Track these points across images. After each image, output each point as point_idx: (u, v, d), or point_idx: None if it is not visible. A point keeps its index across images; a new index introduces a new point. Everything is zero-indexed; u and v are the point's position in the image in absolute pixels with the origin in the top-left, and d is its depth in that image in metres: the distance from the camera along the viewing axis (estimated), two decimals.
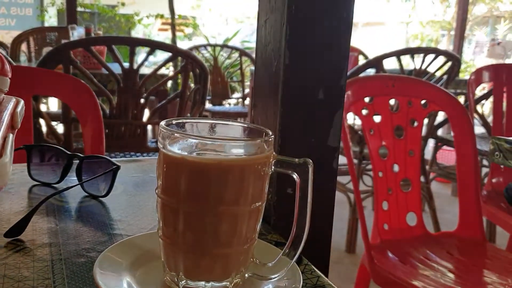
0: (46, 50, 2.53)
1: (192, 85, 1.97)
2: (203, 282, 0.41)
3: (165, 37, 8.14)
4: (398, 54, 2.25)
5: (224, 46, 4.30)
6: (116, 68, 1.76)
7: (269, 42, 0.59)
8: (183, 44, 6.52)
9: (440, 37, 9.12)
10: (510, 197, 1.28)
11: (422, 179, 2.15)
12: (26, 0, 7.71)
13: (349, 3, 0.57)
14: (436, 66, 2.38)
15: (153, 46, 1.87)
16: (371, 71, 2.22)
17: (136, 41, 1.97)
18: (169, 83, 3.71)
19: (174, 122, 0.42)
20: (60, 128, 2.19)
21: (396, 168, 1.33)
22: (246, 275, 0.43)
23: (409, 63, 2.44)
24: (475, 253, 1.28)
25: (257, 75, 0.64)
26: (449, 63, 2.31)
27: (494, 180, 1.79)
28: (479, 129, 1.99)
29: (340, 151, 0.63)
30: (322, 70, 0.58)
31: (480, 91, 2.19)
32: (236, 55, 4.06)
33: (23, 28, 3.99)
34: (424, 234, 1.33)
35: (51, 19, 7.22)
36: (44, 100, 3.70)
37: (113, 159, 0.66)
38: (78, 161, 0.67)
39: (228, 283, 0.42)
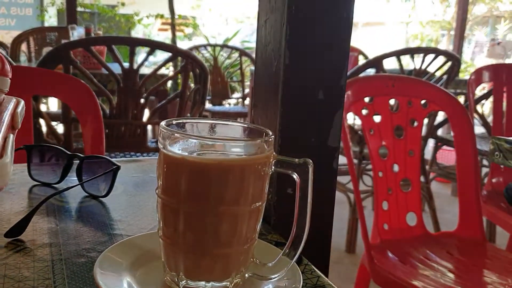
0: (46, 50, 2.54)
1: (192, 85, 1.97)
2: (203, 282, 0.41)
3: (165, 37, 8.15)
4: (398, 54, 2.25)
5: (224, 46, 4.30)
6: (116, 68, 1.76)
7: (269, 42, 0.59)
8: (183, 44, 6.52)
9: (440, 37, 9.12)
10: (510, 197, 1.29)
11: (422, 179, 2.15)
12: (26, 0, 7.71)
13: (349, 3, 0.57)
14: (436, 66, 2.38)
15: (153, 46, 1.87)
16: (371, 71, 2.22)
17: (136, 41, 1.97)
18: (169, 83, 3.71)
19: (174, 122, 0.42)
20: (60, 128, 2.20)
21: (396, 168, 1.33)
22: (246, 275, 0.43)
23: (409, 63, 2.44)
24: (475, 253, 1.28)
25: (257, 75, 0.64)
26: (449, 63, 2.31)
27: (494, 180, 1.79)
28: (479, 129, 1.99)
29: (340, 151, 0.63)
30: (322, 70, 0.58)
31: (480, 91, 2.19)
32: (236, 55, 4.06)
33: (23, 28, 3.99)
34: (424, 234, 1.33)
35: (51, 19, 7.22)
36: (44, 100, 3.70)
37: (113, 159, 0.66)
38: (78, 161, 0.67)
39: (228, 283, 0.42)
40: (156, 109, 1.94)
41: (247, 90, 4.06)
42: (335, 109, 0.59)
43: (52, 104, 3.98)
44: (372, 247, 1.23)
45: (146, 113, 1.91)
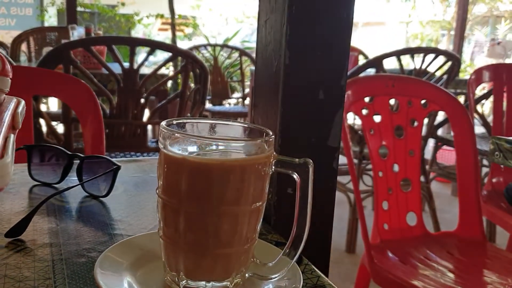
0: (46, 50, 2.53)
1: (192, 85, 1.97)
2: (203, 282, 0.41)
3: (165, 37, 8.15)
4: (398, 54, 2.25)
5: (224, 46, 4.30)
6: (116, 68, 1.76)
7: (269, 42, 0.59)
8: (183, 44, 6.53)
9: (440, 37, 9.12)
10: (510, 197, 1.29)
11: (422, 179, 2.15)
12: (26, 0, 7.71)
13: (349, 3, 0.57)
14: (436, 66, 2.38)
15: (153, 46, 1.87)
16: (371, 71, 2.22)
17: (136, 41, 1.97)
18: (169, 83, 3.71)
19: (174, 122, 0.42)
20: (60, 128, 2.19)
21: (396, 168, 1.33)
22: (247, 275, 0.43)
23: (409, 63, 2.44)
24: (475, 253, 1.28)
25: (257, 75, 0.64)
26: (449, 63, 2.31)
27: (494, 180, 1.79)
28: (479, 129, 1.99)
29: (340, 151, 0.63)
30: (322, 70, 0.58)
31: (480, 91, 2.19)
32: (236, 55, 4.06)
33: (23, 28, 3.99)
34: (424, 234, 1.33)
35: (51, 19, 7.23)
36: (44, 100, 3.70)
37: (113, 159, 0.66)
38: (78, 161, 0.67)
39: (229, 283, 0.42)
40: (156, 109, 1.94)
41: (247, 90, 4.06)
42: (335, 109, 0.59)
43: (52, 104, 3.98)
44: (372, 247, 1.23)
45: (146, 113, 1.91)
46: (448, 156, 3.31)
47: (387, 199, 1.30)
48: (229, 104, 4.27)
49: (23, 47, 3.40)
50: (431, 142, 2.68)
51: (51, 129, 1.72)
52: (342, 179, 2.52)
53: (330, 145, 0.60)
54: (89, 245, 0.50)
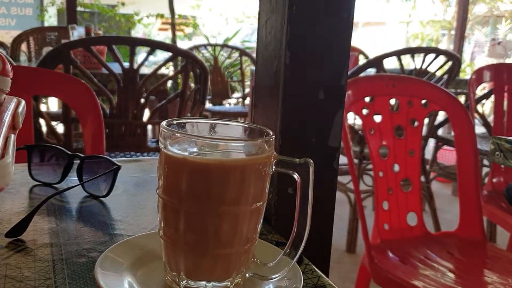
0: (46, 50, 2.54)
1: (192, 85, 1.97)
2: (204, 282, 0.41)
3: (165, 36, 8.15)
4: (398, 53, 2.25)
5: (224, 45, 4.30)
6: (116, 68, 1.76)
7: (269, 42, 0.59)
8: (183, 44, 6.53)
9: (440, 37, 9.12)
10: (511, 197, 1.28)
11: (422, 179, 2.15)
12: (26, 0, 7.71)
13: (350, 3, 0.57)
14: (436, 65, 2.38)
15: (153, 46, 1.87)
16: (371, 71, 2.22)
17: (136, 41, 1.97)
18: (169, 83, 3.71)
19: (175, 122, 0.42)
20: (60, 128, 2.20)
21: (396, 168, 1.33)
22: (247, 275, 0.43)
23: (410, 62, 2.44)
24: (476, 253, 1.28)
25: (257, 75, 0.64)
26: (450, 63, 2.31)
27: (494, 180, 1.79)
28: (479, 129, 1.99)
29: (341, 151, 0.63)
30: (322, 70, 0.58)
31: (480, 90, 2.19)
32: (236, 54, 4.06)
33: (23, 28, 3.99)
34: (425, 234, 1.33)
35: (51, 19, 7.23)
36: (44, 100, 3.70)
37: (113, 159, 0.66)
38: (78, 161, 0.67)
39: (229, 283, 0.42)
40: (156, 109, 1.94)
41: (247, 90, 4.06)
42: (335, 109, 0.59)
43: (52, 104, 3.98)
44: (373, 247, 1.23)
45: (146, 113, 1.91)
46: (448, 156, 3.31)
47: (387, 199, 1.30)
48: (229, 104, 4.27)
49: (23, 47, 3.40)
50: (431, 142, 2.68)
51: (51, 129, 1.72)
52: (342, 179, 2.52)
53: (330, 145, 0.60)
54: (90, 245, 0.50)
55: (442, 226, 2.27)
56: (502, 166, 1.73)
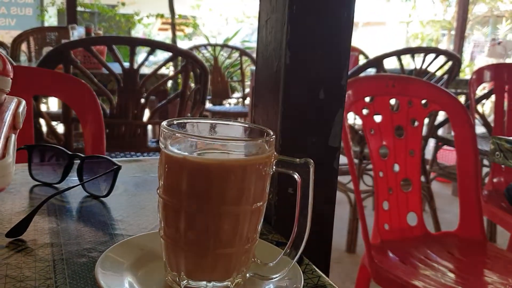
0: (46, 50, 2.54)
1: (193, 85, 1.97)
2: (204, 282, 0.41)
3: (165, 36, 8.15)
4: (398, 53, 2.25)
5: (224, 45, 4.30)
6: (116, 68, 1.76)
7: (270, 42, 0.59)
8: (183, 44, 6.53)
9: (440, 37, 9.12)
10: (511, 197, 1.28)
11: (422, 179, 2.15)
12: (26, 0, 7.71)
13: (350, 3, 0.57)
14: (436, 65, 2.38)
15: (153, 46, 1.87)
16: (371, 71, 2.22)
17: (136, 41, 1.97)
18: (169, 83, 3.71)
19: (175, 122, 0.42)
20: (60, 128, 2.20)
21: (396, 168, 1.33)
22: (248, 275, 0.43)
23: (410, 62, 2.44)
24: (476, 253, 1.28)
25: (258, 75, 0.64)
26: (450, 63, 2.31)
27: (495, 180, 1.79)
28: (479, 129, 1.99)
29: (341, 151, 0.63)
30: (322, 70, 0.58)
31: (480, 90, 2.19)
32: (236, 54, 4.06)
33: (23, 28, 3.99)
34: (425, 234, 1.33)
35: (51, 19, 7.22)
36: (44, 100, 3.70)
37: (113, 159, 0.66)
38: (79, 161, 0.67)
39: (230, 283, 0.42)
40: (157, 109, 1.94)
41: (247, 90, 4.06)
42: (335, 109, 0.59)
43: (52, 104, 3.98)
44: (373, 247, 1.23)
45: (147, 113, 1.91)
46: (448, 156, 3.31)
47: (387, 199, 1.30)
48: (229, 104, 4.27)
49: (23, 47, 3.40)
50: (431, 142, 2.68)
51: (51, 129, 1.72)
52: (342, 179, 2.52)
53: (330, 145, 0.60)
54: (90, 245, 0.50)
55: (442, 226, 2.27)
56: (503, 166, 1.73)
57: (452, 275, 1.16)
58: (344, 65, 0.59)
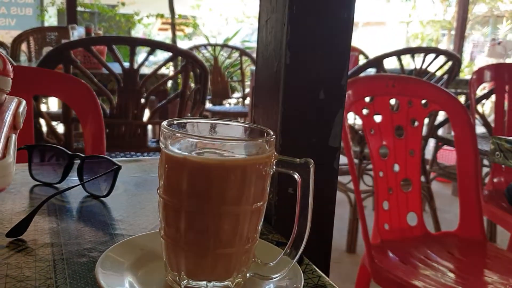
0: (46, 50, 2.54)
1: (193, 85, 1.97)
2: (204, 282, 0.41)
3: (165, 36, 8.15)
4: (398, 53, 2.25)
5: (224, 45, 4.30)
6: (116, 68, 1.76)
7: (270, 42, 0.59)
8: (183, 44, 6.53)
9: (440, 37, 9.12)
10: (511, 197, 1.29)
11: (422, 179, 2.15)
12: (26, 0, 7.71)
13: (350, 3, 0.57)
14: (436, 65, 2.38)
15: (153, 46, 1.87)
16: (371, 71, 2.22)
17: (136, 41, 1.97)
18: (169, 83, 3.71)
19: (175, 122, 0.42)
20: (60, 128, 2.20)
21: (396, 168, 1.33)
22: (248, 274, 0.43)
23: (410, 62, 2.44)
24: (476, 253, 1.28)
25: (258, 75, 0.64)
26: (450, 63, 2.31)
27: (495, 180, 1.79)
28: (479, 129, 1.99)
29: (341, 151, 0.63)
30: (323, 70, 0.58)
31: (480, 90, 2.19)
32: (236, 54, 4.06)
33: (23, 28, 3.99)
34: (425, 234, 1.33)
35: (51, 19, 7.22)
36: (44, 100, 3.70)
37: (113, 159, 0.66)
38: (79, 161, 0.67)
39: (230, 282, 0.42)
40: (157, 109, 1.94)
41: (247, 90, 4.06)
42: (336, 109, 0.59)
43: (52, 104, 3.98)
44: (373, 247, 1.23)
45: (147, 113, 1.91)
46: (448, 156, 3.32)
47: (387, 199, 1.30)
48: (229, 104, 4.27)
49: (23, 47, 3.40)
50: (431, 142, 2.68)
51: (51, 129, 1.72)
52: (342, 179, 2.52)
53: (330, 145, 0.60)
54: (90, 245, 0.50)
55: (442, 226, 2.27)
56: (503, 166, 1.73)
57: (452, 275, 1.16)
58: (344, 65, 0.59)
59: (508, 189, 1.29)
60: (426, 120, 2.19)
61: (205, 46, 4.08)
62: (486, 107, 3.26)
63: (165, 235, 0.41)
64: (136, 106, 1.80)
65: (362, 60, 3.36)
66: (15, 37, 3.34)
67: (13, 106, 0.49)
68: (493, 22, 8.91)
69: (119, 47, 2.13)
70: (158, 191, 0.41)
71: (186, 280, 0.41)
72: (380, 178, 1.30)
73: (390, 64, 2.29)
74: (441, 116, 2.67)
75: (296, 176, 0.40)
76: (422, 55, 2.30)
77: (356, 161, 2.18)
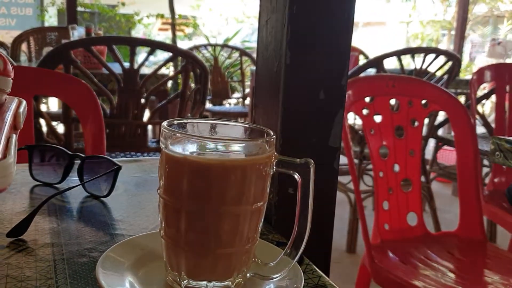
0: (46, 50, 2.54)
1: (193, 85, 1.97)
2: (205, 282, 0.41)
3: (165, 37, 8.15)
4: (398, 54, 2.25)
5: (224, 46, 4.30)
6: (116, 68, 1.76)
7: (270, 42, 0.59)
8: (183, 44, 6.53)
9: (440, 37, 9.12)
10: None
11: (422, 179, 2.15)
12: (26, 0, 7.71)
13: (350, 3, 0.57)
14: (436, 66, 2.38)
15: (153, 46, 1.87)
16: (371, 71, 2.22)
17: (136, 41, 1.98)
18: (170, 83, 3.71)
19: (175, 122, 0.42)
20: (60, 128, 2.20)
21: (396, 168, 1.33)
22: (248, 275, 0.43)
23: (410, 63, 2.44)
24: (476, 253, 1.28)
25: (258, 75, 0.64)
26: (450, 63, 2.31)
27: (496, 180, 1.79)
28: (479, 129, 1.99)
29: (341, 151, 0.63)
30: (323, 70, 0.58)
31: (480, 91, 2.19)
32: (236, 55, 4.06)
33: (23, 28, 3.99)
34: (425, 234, 1.33)
35: (51, 19, 7.22)
36: (44, 100, 3.70)
37: (114, 159, 0.66)
38: (79, 161, 0.67)
39: (230, 283, 0.42)
40: (157, 109, 1.94)
41: (247, 90, 4.06)
42: (336, 109, 0.59)
43: (52, 104, 3.98)
44: (373, 247, 1.23)
45: (147, 113, 1.91)
46: (448, 156, 3.32)
47: (387, 199, 1.30)
48: (230, 104, 4.27)
49: (23, 47, 3.40)
50: (431, 142, 2.68)
51: (51, 129, 1.72)
52: (342, 179, 2.52)
53: (330, 145, 0.60)
54: (91, 245, 0.50)
55: (442, 226, 2.27)
56: (504, 166, 1.73)
57: (452, 275, 1.16)
58: (344, 65, 0.59)
59: (509, 189, 1.29)
60: (426, 120, 2.19)
61: (205, 46, 4.08)
62: (486, 107, 3.26)
63: (165, 235, 0.41)
64: (136, 106, 1.80)
65: (362, 60, 3.36)
66: (15, 37, 3.34)
67: (13, 106, 0.49)
68: (493, 22, 8.91)
69: (119, 47, 2.13)
70: (159, 191, 0.41)
71: (186, 280, 0.41)
72: (380, 178, 1.30)
73: (390, 64, 2.30)
74: (441, 116, 2.67)
75: (296, 176, 0.40)
76: (422, 55, 2.30)
77: (356, 161, 2.18)
